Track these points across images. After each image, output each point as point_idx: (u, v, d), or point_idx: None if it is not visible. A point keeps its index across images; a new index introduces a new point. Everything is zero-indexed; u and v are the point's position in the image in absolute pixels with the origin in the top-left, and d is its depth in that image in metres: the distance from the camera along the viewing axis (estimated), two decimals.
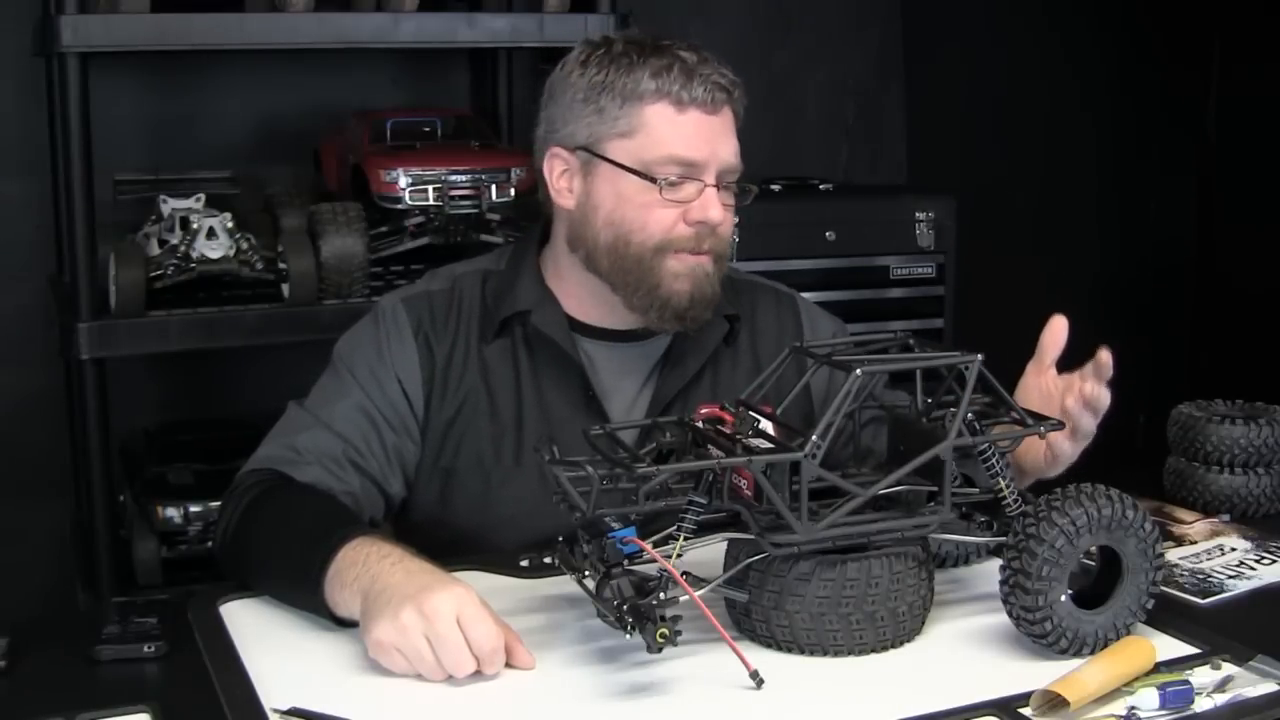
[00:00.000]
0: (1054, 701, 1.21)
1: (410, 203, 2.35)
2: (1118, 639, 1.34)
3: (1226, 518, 1.79)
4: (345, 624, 1.39)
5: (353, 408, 1.65)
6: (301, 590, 1.42)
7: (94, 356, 2.18)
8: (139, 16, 2.15)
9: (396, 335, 1.69)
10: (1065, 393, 1.54)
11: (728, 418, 1.40)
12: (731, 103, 1.63)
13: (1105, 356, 1.52)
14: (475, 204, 2.37)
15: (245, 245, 2.27)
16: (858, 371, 1.33)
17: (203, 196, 2.30)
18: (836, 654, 1.33)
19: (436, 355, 1.69)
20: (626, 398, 1.72)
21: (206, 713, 1.23)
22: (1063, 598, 1.31)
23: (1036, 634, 1.32)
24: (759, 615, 1.35)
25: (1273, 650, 1.31)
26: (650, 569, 1.27)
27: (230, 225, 2.25)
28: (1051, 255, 3.59)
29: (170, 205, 2.28)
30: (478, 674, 1.29)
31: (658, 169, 1.60)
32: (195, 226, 2.24)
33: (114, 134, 2.46)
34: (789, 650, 1.34)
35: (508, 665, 1.31)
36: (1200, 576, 1.58)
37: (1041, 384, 1.60)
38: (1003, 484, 1.41)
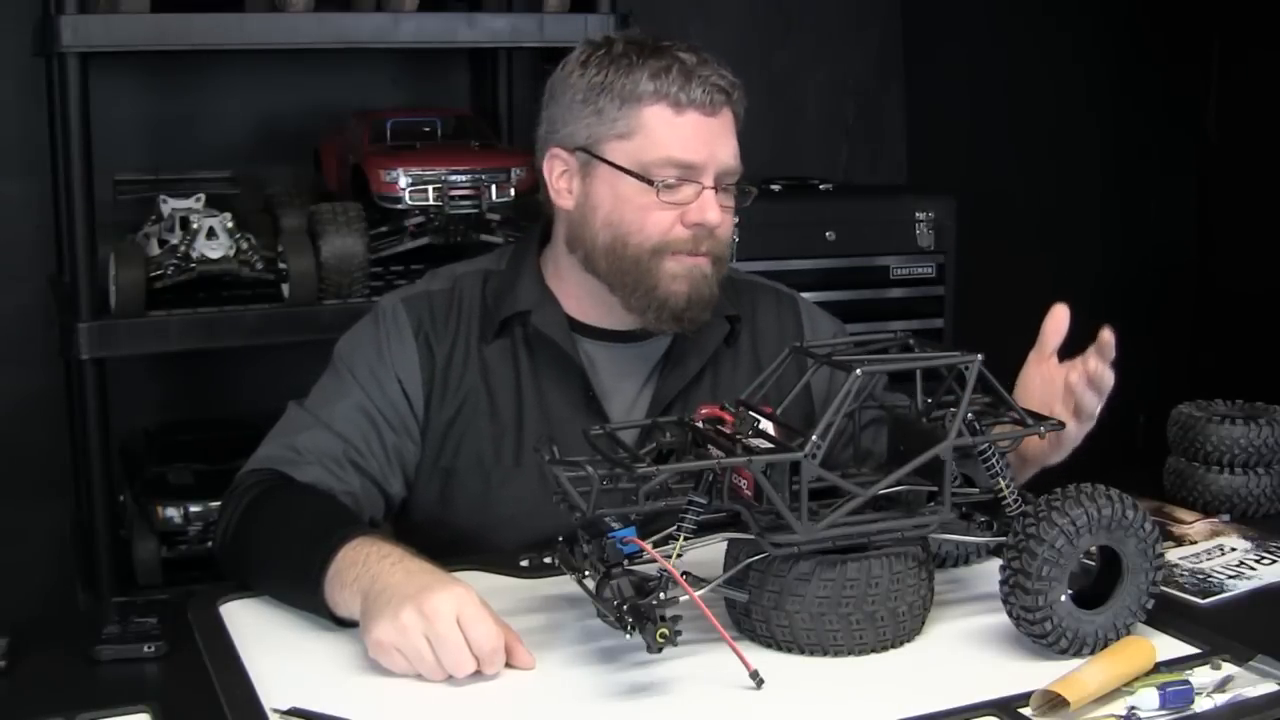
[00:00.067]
0: (1054, 701, 1.21)
1: (410, 203, 2.34)
2: (1118, 639, 1.34)
3: (1226, 518, 1.79)
4: (345, 624, 1.39)
5: (353, 408, 1.65)
6: (301, 590, 1.42)
7: (94, 356, 2.18)
8: (139, 16, 2.15)
9: (396, 335, 1.69)
10: (1069, 370, 1.54)
11: (728, 418, 1.40)
12: (731, 104, 1.63)
13: (1108, 336, 1.52)
14: (475, 204, 2.37)
15: (245, 245, 2.27)
16: (858, 371, 1.33)
17: (203, 196, 2.30)
18: (836, 654, 1.33)
19: (437, 355, 1.69)
20: (627, 398, 1.72)
21: (206, 713, 1.23)
22: (1063, 598, 1.31)
23: (1036, 634, 1.32)
24: (759, 615, 1.35)
25: (1273, 650, 1.31)
26: (650, 569, 1.27)
27: (230, 225, 2.25)
28: (1051, 255, 3.59)
29: (170, 205, 2.28)
30: (478, 674, 1.29)
31: (655, 171, 1.60)
32: (195, 226, 2.24)
33: (114, 134, 2.46)
34: (789, 650, 1.34)
35: (508, 665, 1.31)
36: (1200, 576, 1.58)
37: (1043, 372, 1.60)
38: (1003, 484, 1.41)
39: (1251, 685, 1.27)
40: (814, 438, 1.29)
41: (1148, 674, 1.27)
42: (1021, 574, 1.30)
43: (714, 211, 1.61)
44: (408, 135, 2.47)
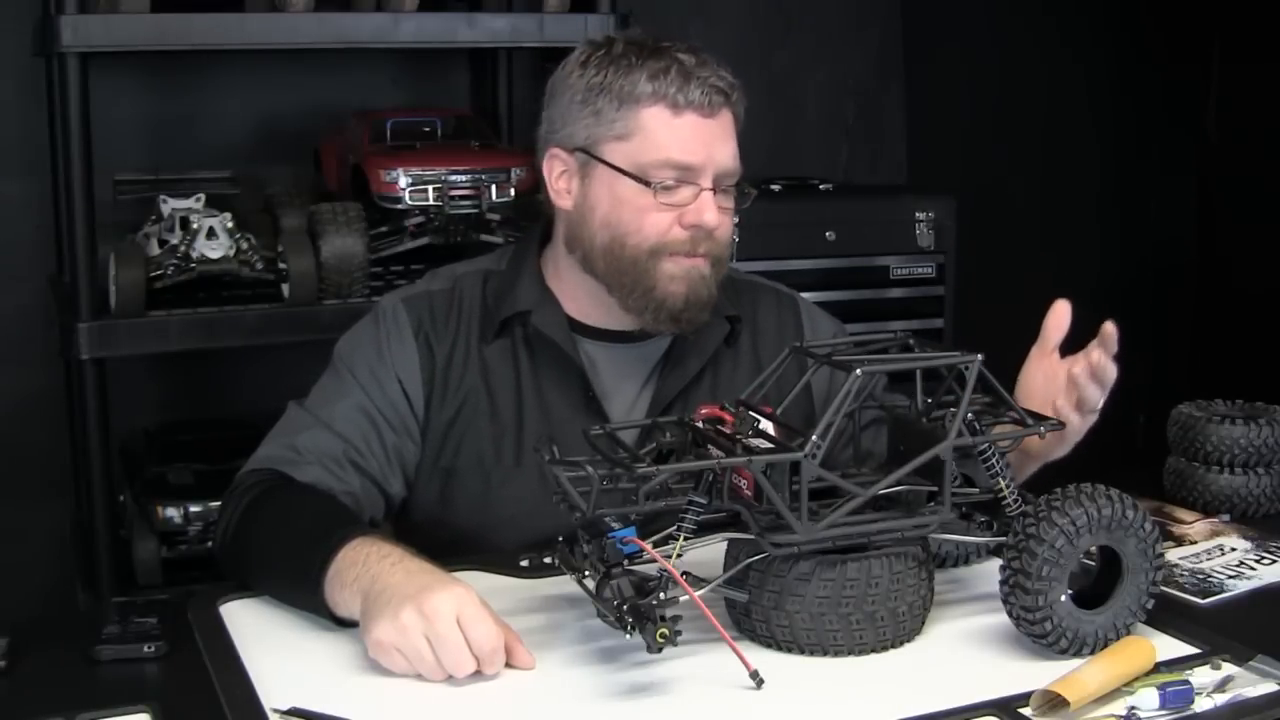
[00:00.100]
0: (1054, 701, 1.21)
1: (410, 203, 2.34)
2: (1118, 639, 1.34)
3: (1226, 518, 1.79)
4: (345, 624, 1.39)
5: (353, 408, 1.65)
6: (301, 590, 1.42)
7: (94, 356, 2.18)
8: (139, 16, 2.15)
9: (397, 335, 1.69)
10: (1072, 363, 1.54)
11: (728, 418, 1.40)
12: (730, 105, 1.63)
13: (1111, 329, 1.52)
14: (475, 204, 2.37)
15: (245, 245, 2.27)
16: (858, 371, 1.33)
17: (203, 196, 2.30)
18: (836, 654, 1.33)
19: (437, 355, 1.69)
20: (627, 398, 1.72)
21: (206, 713, 1.23)
22: (1063, 598, 1.31)
23: (1036, 634, 1.32)
24: (759, 615, 1.34)
25: (1273, 650, 1.31)
26: (650, 569, 1.27)
27: (230, 225, 2.25)
28: (1051, 255, 3.59)
29: (170, 205, 2.28)
30: (478, 674, 1.29)
31: (653, 172, 1.60)
32: (195, 226, 2.24)
33: (114, 134, 2.46)
34: (789, 650, 1.34)
35: (508, 665, 1.31)
36: (1200, 576, 1.58)
37: (1045, 367, 1.60)
38: (1003, 484, 1.41)
39: (1251, 685, 1.27)
40: (814, 438, 1.29)
41: (1148, 674, 1.27)
42: (1021, 574, 1.30)
43: (712, 213, 1.61)
44: (408, 135, 2.47)
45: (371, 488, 1.65)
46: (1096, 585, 1.36)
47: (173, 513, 2.29)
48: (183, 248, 2.22)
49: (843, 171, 3.38)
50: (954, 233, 2.87)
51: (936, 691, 1.26)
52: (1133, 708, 1.22)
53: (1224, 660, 1.30)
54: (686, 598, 1.26)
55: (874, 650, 1.34)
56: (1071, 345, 1.61)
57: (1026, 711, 1.22)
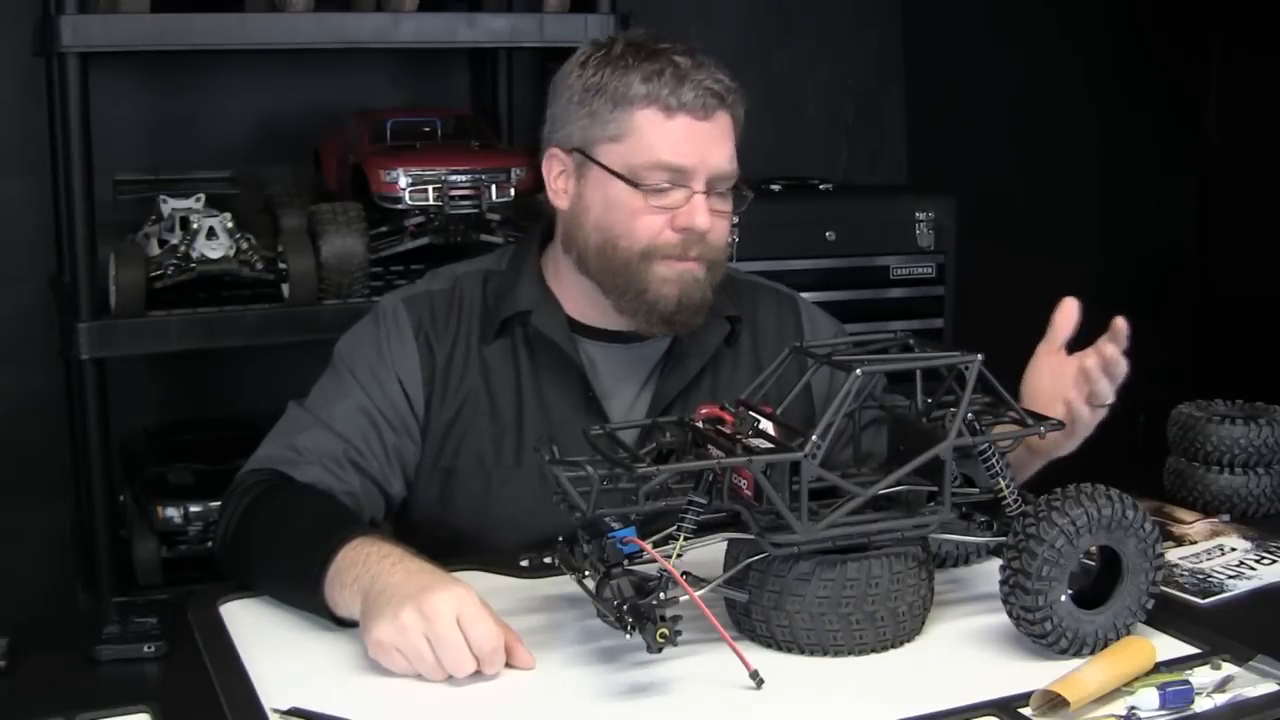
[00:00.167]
0: (1054, 701, 1.21)
1: (410, 203, 2.34)
2: (1118, 639, 1.34)
3: (1226, 518, 1.79)
4: (345, 624, 1.39)
5: (353, 408, 1.65)
6: (301, 590, 1.42)
7: (94, 356, 2.18)
8: (139, 16, 2.15)
9: (397, 335, 1.69)
10: (1084, 357, 1.54)
11: (728, 418, 1.40)
12: (726, 108, 1.62)
13: (1122, 324, 1.53)
14: (475, 204, 2.37)
15: (245, 245, 2.27)
16: (858, 371, 1.33)
17: (203, 196, 2.30)
18: (836, 654, 1.33)
19: (437, 355, 1.69)
20: (626, 399, 1.72)
21: (206, 713, 1.23)
22: (1063, 598, 1.31)
23: (1036, 634, 1.31)
24: (759, 615, 1.35)
25: (1273, 650, 1.31)
26: (650, 569, 1.27)
27: (230, 225, 2.25)
28: (1051, 255, 3.58)
29: (170, 205, 2.28)
30: (478, 674, 1.29)
31: (644, 174, 1.60)
32: (195, 226, 2.24)
33: (114, 134, 2.46)
34: (789, 650, 1.34)
35: (508, 665, 1.31)
36: (1200, 576, 1.58)
37: (1052, 363, 1.60)
38: (1003, 484, 1.41)
39: (1251, 685, 1.27)
40: (814, 438, 1.29)
41: (1148, 674, 1.27)
42: (1021, 574, 1.30)
43: (703, 217, 1.60)
44: (408, 135, 2.47)
45: (371, 488, 1.65)
46: (1096, 585, 1.36)
47: (173, 513, 2.29)
48: (183, 248, 2.22)
49: (843, 171, 3.38)
50: (954, 233, 2.87)
51: (936, 691, 1.26)
52: (1133, 708, 1.22)
53: (1224, 660, 1.30)
54: (686, 598, 1.26)
55: (874, 650, 1.34)
56: (1072, 344, 1.61)
57: (1026, 711, 1.22)
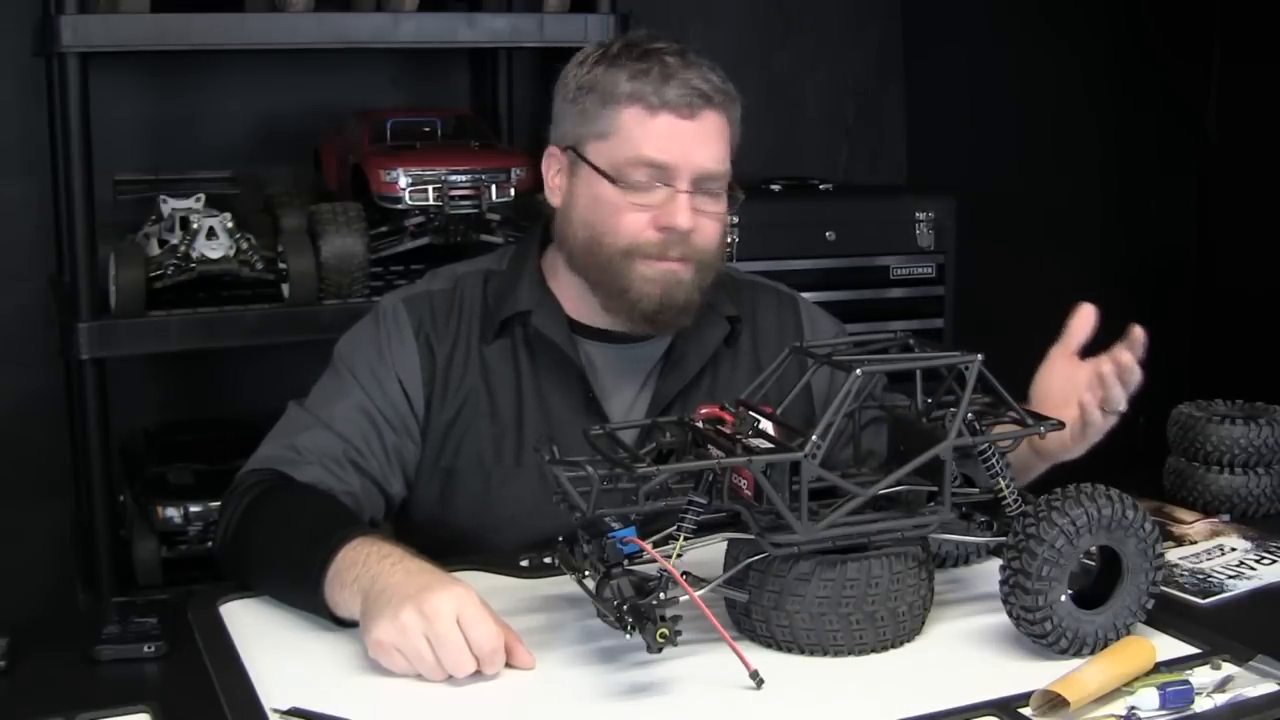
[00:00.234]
0: (1054, 701, 1.21)
1: (410, 203, 2.35)
2: (1118, 639, 1.34)
3: (1226, 518, 1.79)
4: (345, 624, 1.39)
5: (353, 408, 1.65)
6: (301, 590, 1.42)
7: (94, 356, 2.18)
8: (139, 16, 2.15)
9: (397, 335, 1.69)
10: (1100, 363, 1.53)
11: (728, 418, 1.40)
12: (714, 108, 1.62)
13: (1139, 333, 1.53)
14: (475, 204, 2.37)
15: (245, 245, 2.27)
16: (858, 371, 1.33)
17: (203, 196, 2.30)
18: (836, 654, 1.33)
19: (437, 355, 1.69)
20: (626, 399, 1.72)
21: (206, 713, 1.23)
22: (1063, 598, 1.31)
23: (1036, 634, 1.31)
24: (759, 615, 1.34)
25: (1273, 650, 1.31)
26: (650, 569, 1.27)
27: (230, 225, 2.25)
28: (1051, 255, 3.59)
29: (170, 205, 2.28)
30: (478, 674, 1.29)
31: (627, 171, 1.60)
32: (195, 226, 2.24)
33: (114, 134, 2.46)
34: (789, 650, 1.34)
35: (508, 665, 1.31)
36: (1200, 576, 1.58)
37: (1065, 368, 1.60)
38: (1003, 484, 1.41)
39: (1251, 685, 1.27)
40: (814, 438, 1.29)
41: (1148, 674, 1.27)
42: (1021, 574, 1.30)
43: (684, 216, 1.60)
44: (408, 135, 2.47)
45: (371, 488, 1.65)
46: (1096, 585, 1.36)
47: (173, 513, 2.29)
48: (183, 248, 2.22)
49: (843, 171, 3.38)
50: (954, 233, 2.87)
51: (936, 691, 1.26)
52: (1133, 708, 1.22)
53: (1224, 660, 1.30)
54: (686, 598, 1.26)
55: (874, 650, 1.34)
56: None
57: (1026, 711, 1.22)
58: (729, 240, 2.61)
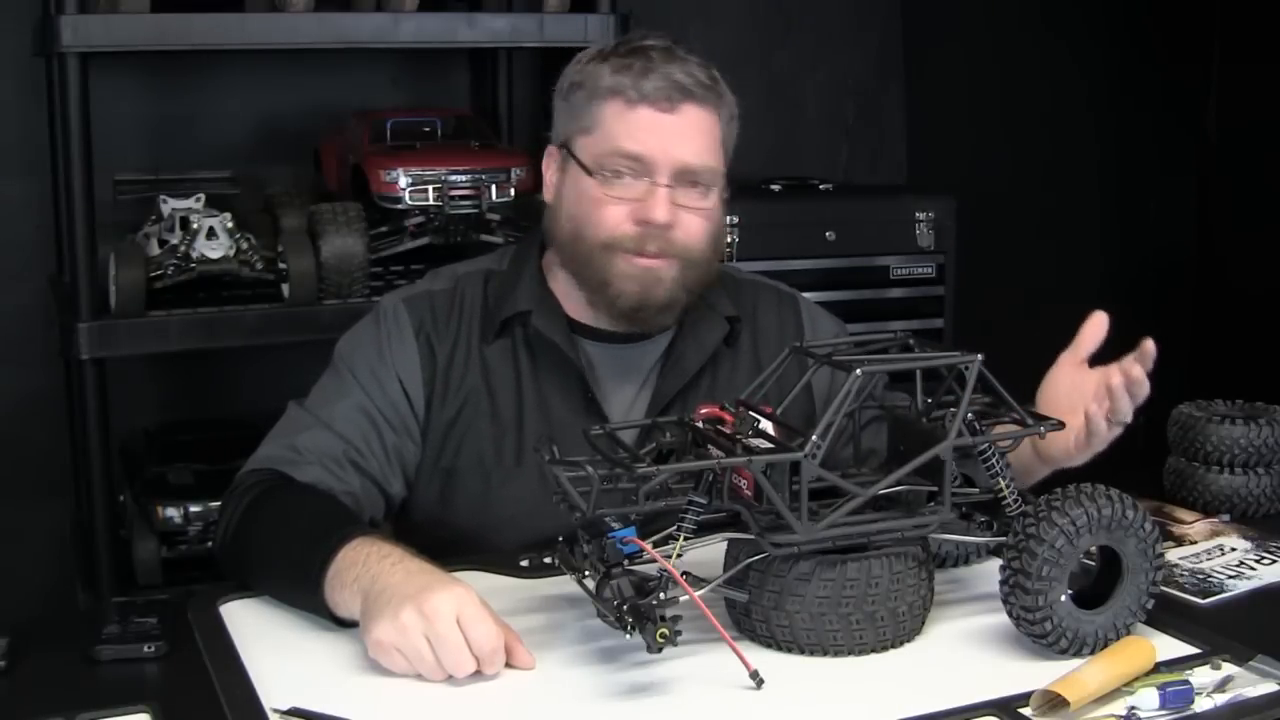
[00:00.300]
0: (1054, 701, 1.21)
1: (410, 203, 2.35)
2: (1118, 639, 1.34)
3: (1226, 518, 1.79)
4: (345, 624, 1.39)
5: (353, 408, 1.65)
6: (301, 590, 1.42)
7: (94, 356, 2.18)
8: (139, 16, 2.15)
9: (398, 335, 1.69)
10: (1111, 375, 1.53)
11: (728, 418, 1.40)
12: (696, 102, 1.61)
13: (1150, 346, 1.52)
14: (475, 204, 2.38)
15: (245, 245, 2.27)
16: (858, 371, 1.33)
17: (203, 196, 2.30)
18: (836, 654, 1.33)
19: (438, 355, 1.69)
20: (626, 399, 1.72)
21: (206, 713, 1.23)
22: (1063, 598, 1.31)
23: (1036, 634, 1.31)
24: (759, 615, 1.34)
25: (1273, 650, 1.31)
26: (650, 569, 1.27)
27: (230, 225, 2.25)
28: (1051, 255, 3.59)
29: (170, 205, 2.28)
30: (478, 674, 1.29)
31: (605, 162, 1.61)
32: (195, 226, 2.24)
33: (114, 134, 2.46)
34: (789, 650, 1.34)
35: (508, 665, 1.31)
36: (1200, 576, 1.58)
37: (1073, 375, 1.59)
38: (1003, 484, 1.41)
39: (1251, 685, 1.27)
40: (814, 438, 1.29)
41: (1148, 674, 1.27)
42: (1021, 574, 1.30)
43: (662, 209, 1.60)
44: (408, 135, 2.47)
45: (371, 488, 1.65)
46: (1096, 585, 1.36)
47: (173, 513, 2.29)
48: (183, 248, 2.22)
49: (843, 171, 3.38)
50: (954, 233, 2.87)
51: (936, 691, 1.26)
52: (1133, 708, 1.22)
53: (1224, 660, 1.30)
54: (686, 598, 1.26)
55: (874, 650, 1.34)
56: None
57: (1026, 711, 1.22)
58: (729, 240, 2.61)
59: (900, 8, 3.43)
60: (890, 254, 2.83)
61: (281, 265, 2.28)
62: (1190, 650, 1.34)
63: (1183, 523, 1.78)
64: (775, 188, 2.89)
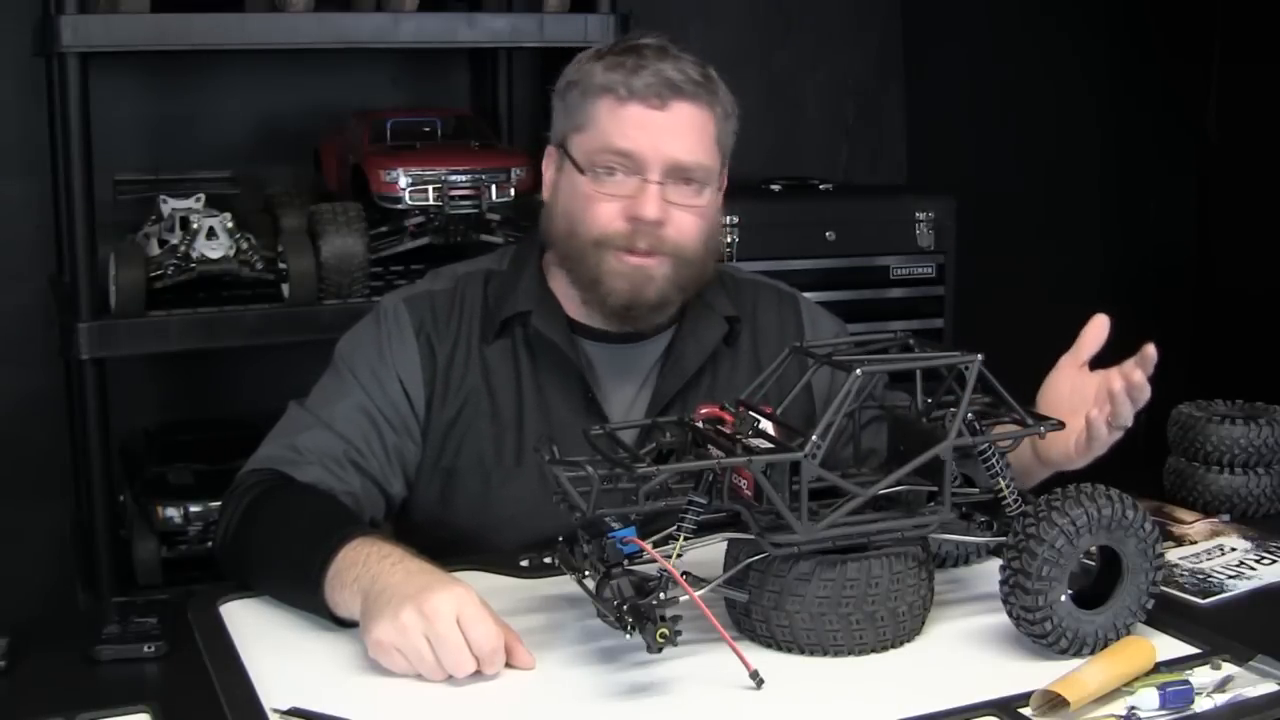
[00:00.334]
0: (1054, 701, 1.21)
1: (410, 203, 2.35)
2: (1118, 639, 1.34)
3: (1226, 518, 1.79)
4: (345, 624, 1.39)
5: (354, 408, 1.65)
6: (301, 590, 1.42)
7: (94, 356, 2.18)
8: (139, 16, 2.15)
9: (398, 335, 1.69)
10: (1112, 380, 1.53)
11: (728, 418, 1.40)
12: (687, 99, 1.61)
13: (1151, 351, 1.51)
14: (475, 204, 2.38)
15: (245, 245, 2.27)
16: (858, 371, 1.33)
17: (203, 196, 2.30)
18: (836, 654, 1.33)
19: (438, 355, 1.69)
20: (626, 398, 1.72)
21: (206, 713, 1.23)
22: (1063, 598, 1.31)
23: (1036, 634, 1.31)
24: (759, 615, 1.34)
25: (1273, 650, 1.31)
26: (650, 569, 1.27)
27: (230, 225, 2.25)
28: (1051, 255, 3.59)
29: (170, 205, 2.28)
30: (478, 674, 1.29)
31: (598, 160, 1.61)
32: (195, 226, 2.24)
33: (114, 134, 2.46)
34: (789, 650, 1.34)
35: (508, 665, 1.31)
36: (1200, 576, 1.58)
37: (1074, 377, 1.59)
38: (1003, 484, 1.41)
39: (1251, 685, 1.27)
40: (814, 438, 1.29)
41: (1148, 674, 1.27)
42: (1021, 574, 1.30)
43: (652, 206, 1.60)
44: (408, 135, 2.47)
45: (372, 488, 1.65)
46: (1096, 585, 1.36)
47: (173, 513, 2.29)
48: (183, 248, 2.22)
49: (843, 171, 3.38)
50: (954, 233, 2.87)
51: (936, 691, 1.26)
52: (1133, 708, 1.22)
53: (1224, 660, 1.30)
54: (686, 598, 1.26)
55: (874, 650, 1.34)
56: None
57: (1026, 711, 1.22)
58: (728, 240, 2.61)
59: (900, 8, 3.43)
60: (890, 254, 2.83)
61: (281, 265, 2.28)
62: (1190, 650, 1.34)
63: (1183, 523, 1.78)
64: (775, 188, 2.89)
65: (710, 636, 1.29)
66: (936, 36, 3.45)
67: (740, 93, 1.70)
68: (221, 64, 2.69)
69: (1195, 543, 1.70)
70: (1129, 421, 1.53)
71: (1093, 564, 1.37)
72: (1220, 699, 1.25)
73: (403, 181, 2.34)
